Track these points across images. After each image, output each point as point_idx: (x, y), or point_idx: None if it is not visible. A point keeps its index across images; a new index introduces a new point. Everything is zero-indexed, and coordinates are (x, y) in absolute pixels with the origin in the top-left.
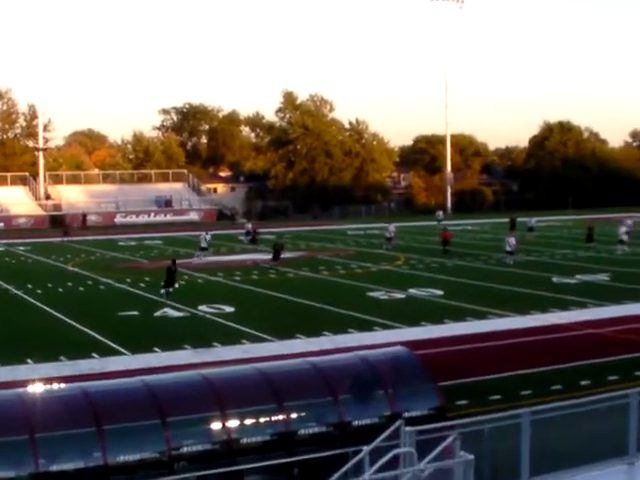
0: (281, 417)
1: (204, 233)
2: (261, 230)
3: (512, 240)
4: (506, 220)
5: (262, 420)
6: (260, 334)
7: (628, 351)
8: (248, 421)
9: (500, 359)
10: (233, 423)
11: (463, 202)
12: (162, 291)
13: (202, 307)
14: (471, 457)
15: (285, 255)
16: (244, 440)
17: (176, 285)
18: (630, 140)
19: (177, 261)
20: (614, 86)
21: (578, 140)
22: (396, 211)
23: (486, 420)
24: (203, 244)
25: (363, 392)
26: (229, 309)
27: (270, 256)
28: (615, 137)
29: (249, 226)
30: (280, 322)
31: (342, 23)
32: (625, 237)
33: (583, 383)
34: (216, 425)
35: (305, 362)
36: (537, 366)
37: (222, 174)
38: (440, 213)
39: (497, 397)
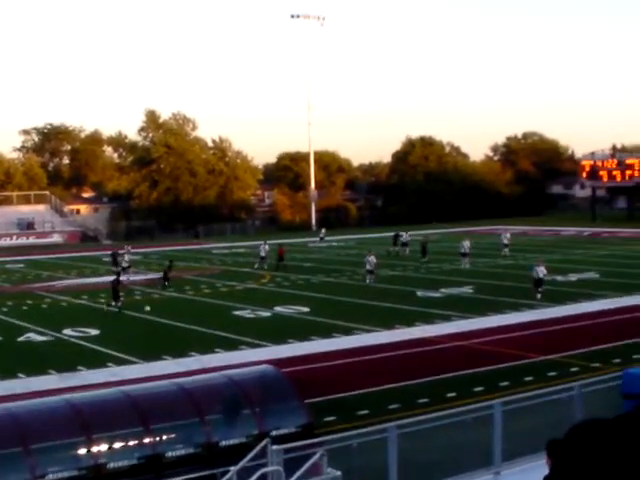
0: (148, 440)
1: (263, 243)
2: (122, 252)
3: (372, 259)
4: (371, 235)
5: (129, 444)
6: (126, 356)
7: (493, 362)
8: (115, 445)
9: (367, 374)
10: (100, 448)
11: (327, 218)
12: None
13: (67, 330)
14: (338, 473)
15: (154, 276)
16: (111, 465)
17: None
18: (491, 154)
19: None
20: (475, 101)
21: (440, 154)
22: (261, 229)
23: (354, 435)
24: (262, 253)
25: (230, 412)
26: (94, 332)
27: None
28: (476, 151)
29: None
30: (146, 344)
31: (204, 41)
32: (465, 251)
33: (449, 395)
34: (82, 450)
35: (171, 383)
36: (404, 380)
37: (85, 195)
38: (323, 231)
39: (365, 412)
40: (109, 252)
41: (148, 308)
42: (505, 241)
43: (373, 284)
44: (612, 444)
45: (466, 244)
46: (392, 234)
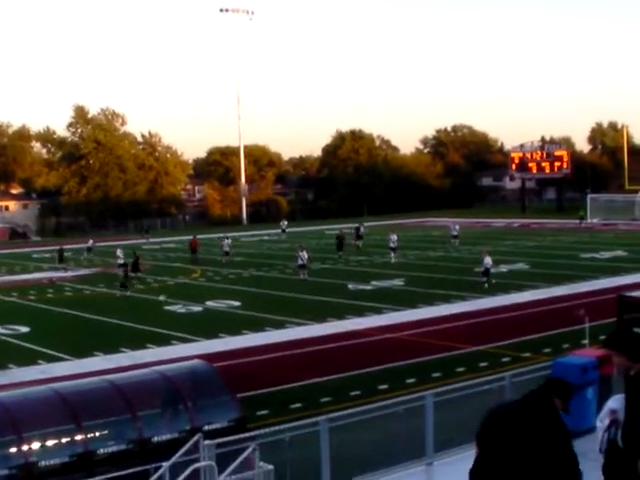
0: (79, 437)
1: (225, 238)
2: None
3: (304, 254)
4: (302, 229)
5: (60, 441)
6: (57, 353)
7: (424, 354)
8: (46, 443)
9: (299, 367)
10: (30, 446)
11: (258, 213)
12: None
13: None
14: (270, 467)
15: (80, 272)
16: (42, 463)
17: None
18: (421, 147)
19: None
20: (405, 94)
21: (370, 148)
22: (191, 223)
23: (285, 429)
24: (226, 248)
25: (162, 407)
26: (24, 329)
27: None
28: (407, 144)
29: (91, 242)
30: (77, 340)
31: (132, 35)
32: (393, 245)
33: (381, 387)
34: (13, 449)
35: (102, 380)
36: (336, 373)
37: (14, 191)
38: (284, 222)
39: (297, 405)
40: (56, 248)
41: (163, 297)
42: (454, 232)
43: (305, 278)
44: (520, 426)
45: (394, 237)
46: (354, 226)
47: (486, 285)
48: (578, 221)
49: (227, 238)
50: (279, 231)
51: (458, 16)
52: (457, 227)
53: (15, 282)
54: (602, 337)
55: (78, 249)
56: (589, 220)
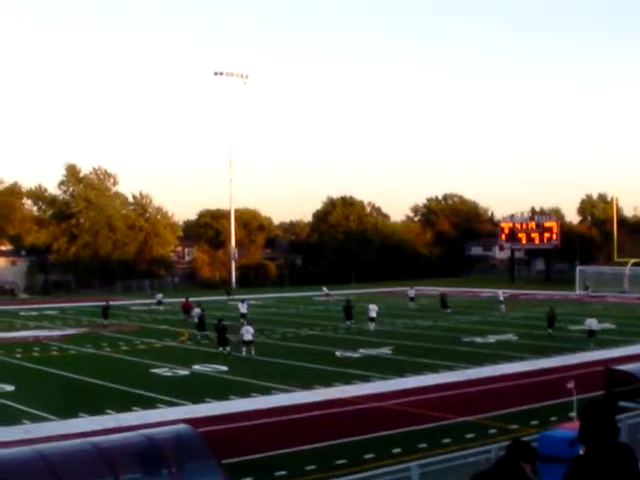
0: None
1: (240, 302)
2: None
3: (249, 328)
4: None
5: None
6: (42, 413)
7: (410, 423)
8: None
9: (285, 434)
10: None
11: (247, 276)
12: (220, 349)
13: None
14: None
15: (67, 332)
16: None
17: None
18: (411, 215)
19: None
20: (396, 162)
21: (360, 214)
22: (180, 285)
23: None
24: (243, 310)
25: (146, 471)
26: (9, 388)
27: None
28: (397, 212)
29: (160, 296)
30: (62, 400)
31: (126, 95)
32: (374, 315)
33: (367, 456)
34: None
35: (86, 442)
36: (322, 440)
37: (2, 248)
38: (325, 289)
39: (282, 473)
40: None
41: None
42: (501, 298)
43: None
44: None
45: (374, 307)
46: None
47: (591, 345)
48: (584, 292)
49: (243, 301)
50: (322, 294)
51: (449, 87)
52: (502, 293)
53: (1, 340)
54: None
55: (65, 308)
56: (577, 292)
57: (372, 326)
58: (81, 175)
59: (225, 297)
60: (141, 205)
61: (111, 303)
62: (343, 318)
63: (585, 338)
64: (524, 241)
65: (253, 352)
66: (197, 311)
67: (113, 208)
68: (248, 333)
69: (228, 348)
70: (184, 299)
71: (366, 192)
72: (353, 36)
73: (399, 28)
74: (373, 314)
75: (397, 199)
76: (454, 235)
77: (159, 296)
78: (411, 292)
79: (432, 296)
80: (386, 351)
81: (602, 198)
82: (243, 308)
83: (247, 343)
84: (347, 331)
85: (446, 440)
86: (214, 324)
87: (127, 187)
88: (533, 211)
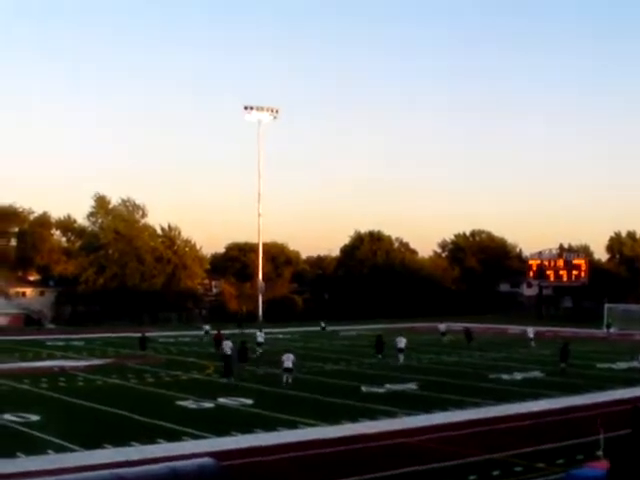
0: None
1: (258, 331)
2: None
3: (290, 355)
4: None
5: None
6: (66, 443)
7: (436, 460)
8: None
9: (311, 469)
10: None
11: (274, 310)
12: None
13: (6, 415)
14: None
15: (94, 362)
16: None
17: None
18: (439, 250)
19: None
20: (424, 198)
21: (388, 250)
22: (207, 318)
23: None
24: (260, 339)
25: None
26: (35, 417)
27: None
28: (425, 247)
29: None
30: (87, 431)
31: (155, 129)
32: (402, 346)
33: None
34: None
35: (110, 474)
36: (348, 476)
37: (31, 278)
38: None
39: None
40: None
41: None
42: (531, 335)
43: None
44: None
45: (402, 340)
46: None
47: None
48: (606, 330)
49: (261, 330)
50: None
51: (480, 123)
52: (531, 330)
53: (27, 369)
54: None
55: (91, 339)
56: (610, 329)
57: (401, 358)
58: (110, 206)
59: (237, 330)
60: (169, 237)
61: (146, 334)
62: (374, 352)
63: (611, 376)
64: (552, 278)
65: (290, 380)
66: (228, 344)
67: (141, 240)
68: (289, 360)
69: (232, 379)
70: (216, 331)
71: (394, 227)
72: (382, 68)
73: (420, 61)
74: (402, 345)
75: (425, 235)
76: (481, 271)
77: (206, 327)
78: (442, 327)
79: (458, 332)
80: (412, 386)
81: (631, 236)
82: (260, 337)
83: (288, 370)
84: (372, 366)
85: (472, 477)
86: (221, 354)
87: (156, 219)
88: (561, 248)
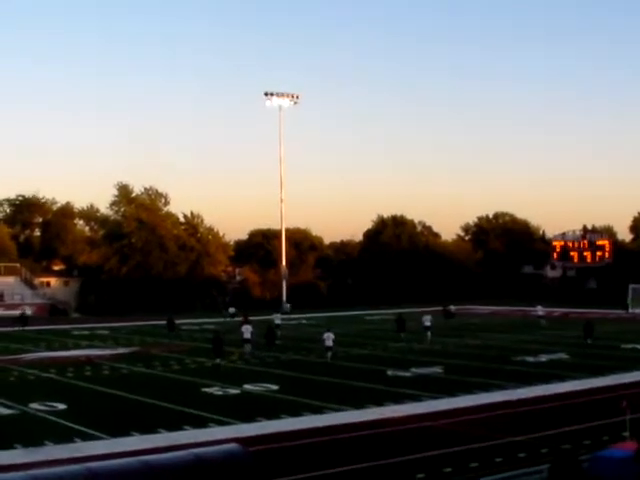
0: None
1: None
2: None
3: (331, 335)
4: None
5: None
6: (93, 432)
7: (462, 443)
8: None
9: (337, 454)
10: None
11: (298, 296)
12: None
13: (34, 404)
14: None
15: (119, 350)
16: None
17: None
18: (462, 234)
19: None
20: (447, 180)
21: (411, 234)
22: (232, 305)
23: None
24: (277, 321)
25: None
26: (61, 406)
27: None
28: (448, 231)
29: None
30: (113, 419)
31: (176, 116)
32: (428, 324)
33: (418, 476)
34: None
35: (137, 461)
36: (372, 460)
37: (56, 268)
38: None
39: None
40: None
41: None
42: (540, 313)
43: (331, 361)
44: None
45: (428, 317)
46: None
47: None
48: (623, 311)
49: (277, 311)
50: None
51: (504, 107)
52: (540, 308)
53: (53, 358)
54: None
55: (116, 327)
56: (631, 310)
57: (429, 335)
58: (133, 195)
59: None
60: (192, 225)
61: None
62: (395, 331)
63: (636, 357)
64: (576, 260)
65: (330, 357)
66: (248, 327)
67: (164, 228)
68: (329, 339)
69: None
70: (243, 316)
71: (417, 211)
72: (404, 55)
73: (445, 51)
74: (428, 323)
75: (448, 218)
76: (505, 254)
77: (232, 309)
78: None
79: (482, 315)
80: (437, 370)
81: None
82: (277, 320)
83: (329, 348)
84: (397, 351)
85: (497, 459)
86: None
87: (178, 207)
88: (585, 229)
